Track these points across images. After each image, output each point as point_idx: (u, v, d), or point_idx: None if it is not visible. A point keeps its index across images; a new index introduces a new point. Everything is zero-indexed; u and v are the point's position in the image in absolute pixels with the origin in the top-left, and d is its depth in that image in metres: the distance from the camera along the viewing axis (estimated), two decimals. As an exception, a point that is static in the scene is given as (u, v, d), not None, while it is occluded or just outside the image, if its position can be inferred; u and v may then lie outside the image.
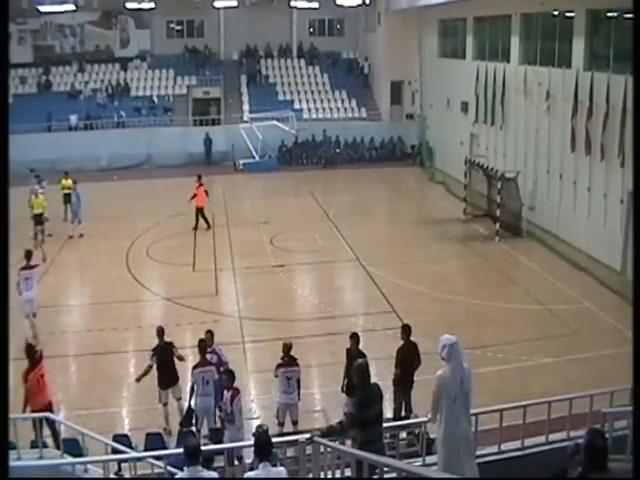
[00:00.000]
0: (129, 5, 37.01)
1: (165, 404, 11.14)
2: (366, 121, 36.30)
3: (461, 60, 28.23)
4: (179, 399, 11.21)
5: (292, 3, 37.47)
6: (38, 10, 36.36)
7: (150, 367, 10.99)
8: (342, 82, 38.46)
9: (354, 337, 10.80)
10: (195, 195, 22.81)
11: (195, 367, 10.57)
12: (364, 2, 35.26)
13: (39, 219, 21.14)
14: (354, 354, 10.16)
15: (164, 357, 11.00)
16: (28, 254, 14.72)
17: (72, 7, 36.21)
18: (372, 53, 38.40)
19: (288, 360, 10.62)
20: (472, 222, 23.34)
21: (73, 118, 35.34)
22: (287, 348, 10.70)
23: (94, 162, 31.97)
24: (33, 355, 10.32)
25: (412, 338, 10.89)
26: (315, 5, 36.75)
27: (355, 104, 37.26)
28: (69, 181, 23.52)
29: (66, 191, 23.42)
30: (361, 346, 10.68)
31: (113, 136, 34.16)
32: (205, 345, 10.79)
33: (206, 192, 23.01)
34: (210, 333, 11.18)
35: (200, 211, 22.67)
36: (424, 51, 32.99)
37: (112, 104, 36.59)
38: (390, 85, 36.40)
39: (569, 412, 8.04)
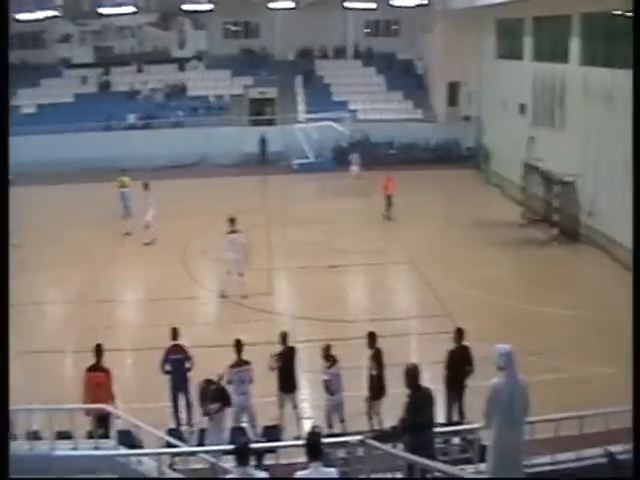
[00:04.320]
0: (186, 7, 37.69)
1: (282, 406, 11.30)
2: (422, 122, 36.00)
3: (519, 61, 27.75)
4: (295, 407, 11.37)
5: (347, 4, 37.48)
6: (99, 12, 37.36)
7: (272, 369, 11.16)
8: (398, 83, 38.26)
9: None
10: (386, 186, 24.29)
11: (232, 367, 10.71)
12: (421, 3, 35.02)
13: None
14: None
15: (288, 362, 11.17)
16: (232, 220, 17.00)
17: (131, 9, 37.10)
18: (428, 54, 38.05)
19: (332, 360, 10.72)
20: (529, 226, 22.93)
21: (131, 117, 36.20)
22: (327, 350, 10.81)
23: (152, 161, 32.60)
24: (98, 355, 10.59)
25: (465, 342, 10.78)
26: (371, 6, 36.68)
27: (411, 105, 37.01)
28: (126, 179, 24.08)
29: (123, 189, 24.00)
30: (412, 350, 10.64)
31: (170, 135, 34.85)
32: (241, 345, 10.92)
33: (394, 184, 24.40)
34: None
35: (389, 199, 24.23)
36: (481, 52, 32.55)
37: (169, 104, 37.34)
38: (446, 86, 36.03)
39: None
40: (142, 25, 40.24)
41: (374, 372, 10.62)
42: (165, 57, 40.49)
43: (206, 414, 9.87)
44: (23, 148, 32.15)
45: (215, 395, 9.92)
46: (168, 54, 40.70)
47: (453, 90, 36.08)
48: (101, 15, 38.20)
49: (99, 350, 10.65)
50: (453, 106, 36.18)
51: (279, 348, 11.28)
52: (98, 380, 10.42)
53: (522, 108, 27.03)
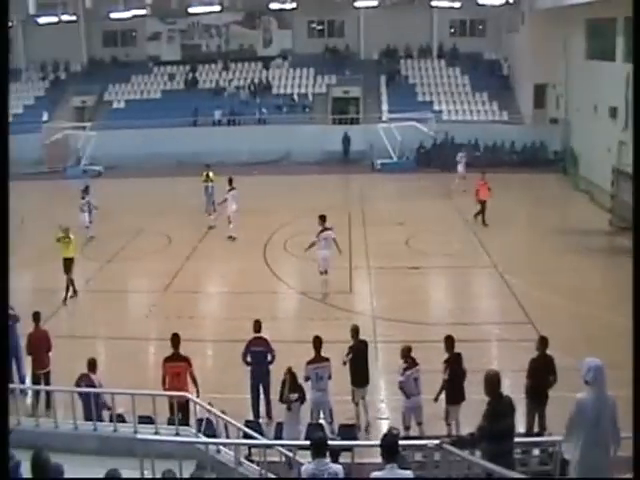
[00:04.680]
0: (272, 6, 38.23)
1: (357, 403, 11.42)
2: (507, 124, 35.27)
3: (610, 62, 26.74)
4: (363, 398, 11.50)
5: (433, 3, 37.08)
6: (187, 11, 38.38)
7: (344, 363, 11.29)
8: (483, 84, 37.59)
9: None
10: (478, 190, 23.50)
11: (309, 363, 10.78)
12: (507, 1, 34.28)
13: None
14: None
15: (359, 356, 11.27)
16: (322, 217, 17.03)
17: (218, 8, 37.97)
18: (515, 54, 37.21)
19: (411, 362, 10.61)
20: (618, 235, 22.04)
21: (217, 114, 37.04)
22: (407, 351, 10.72)
23: (235, 156, 33.22)
24: (175, 345, 10.85)
25: (548, 352, 10.50)
26: (457, 5, 36.16)
27: (496, 107, 36.32)
28: (210, 174, 24.62)
29: (207, 184, 24.55)
30: (493, 356, 10.43)
31: (254, 132, 35.45)
32: (320, 341, 10.97)
33: (489, 188, 23.49)
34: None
35: (483, 204, 23.47)
36: (570, 53, 31.55)
37: (254, 101, 37.96)
38: (533, 88, 35.14)
39: None
40: (228, 24, 41.12)
41: (446, 377, 10.47)
42: (250, 55, 41.22)
43: (285, 402, 10.03)
44: (112, 142, 33.52)
45: (293, 386, 10.06)
46: (253, 52, 41.41)
47: (540, 92, 35.18)
48: (189, 14, 39.26)
49: (176, 340, 10.88)
50: (540, 108, 35.27)
51: (351, 342, 11.38)
52: (177, 370, 10.66)
53: (613, 111, 26.04)
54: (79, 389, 10.04)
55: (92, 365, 10.49)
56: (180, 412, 9.72)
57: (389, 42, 40.04)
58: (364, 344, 11.46)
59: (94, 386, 10.08)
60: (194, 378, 10.78)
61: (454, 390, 10.52)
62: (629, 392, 11.78)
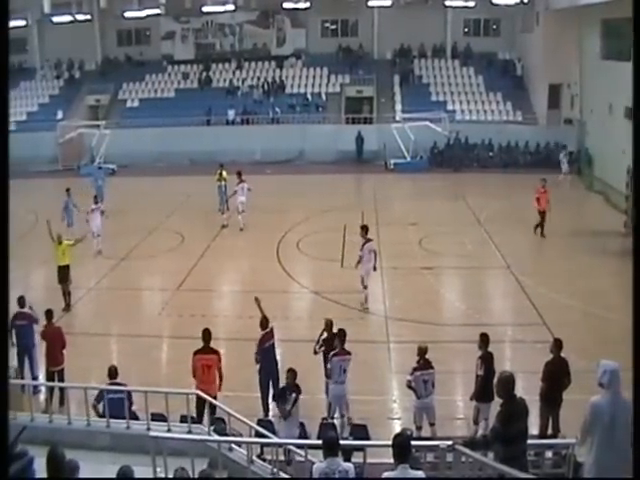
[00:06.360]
0: (286, 5, 38.24)
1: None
2: (521, 125, 35.09)
3: (626, 62, 26.47)
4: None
5: (447, 2, 36.95)
6: (200, 10, 38.48)
7: (315, 353, 11.54)
8: (497, 84, 37.43)
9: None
10: (538, 199, 22.21)
11: (335, 355, 10.88)
12: (522, 1, 34.10)
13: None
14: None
15: (330, 349, 11.27)
16: (364, 228, 16.62)
17: (232, 7, 38.04)
18: (529, 54, 36.99)
19: (424, 363, 10.58)
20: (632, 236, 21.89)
21: (231, 113, 37.12)
22: (423, 351, 10.67)
23: (249, 155, 33.29)
24: (206, 339, 10.91)
25: (562, 354, 10.42)
26: (471, 4, 36.02)
27: (510, 107, 36.13)
28: (224, 173, 24.68)
29: (221, 183, 24.60)
30: (507, 358, 10.38)
31: (268, 131, 35.50)
32: (345, 334, 11.08)
33: (547, 200, 22.01)
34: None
35: (542, 214, 22.07)
36: (585, 53, 31.35)
37: (267, 100, 38.00)
38: (547, 88, 34.93)
39: None
40: (242, 23, 41.19)
41: (482, 373, 10.41)
42: (264, 54, 41.27)
43: (283, 415, 10.01)
44: (126, 140, 33.67)
45: (292, 385, 10.03)
46: (267, 51, 41.45)
47: (554, 92, 34.98)
48: (203, 13, 39.36)
49: (207, 334, 10.94)
50: (554, 108, 35.08)
51: (324, 335, 11.55)
52: (208, 363, 10.73)
53: (628, 112, 25.86)
54: (92, 386, 10.10)
55: (113, 372, 10.31)
56: (200, 408, 9.87)
57: (403, 42, 39.93)
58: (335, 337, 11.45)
59: (128, 393, 9.62)
60: (221, 373, 10.88)
61: (486, 388, 10.43)
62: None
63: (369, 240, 16.44)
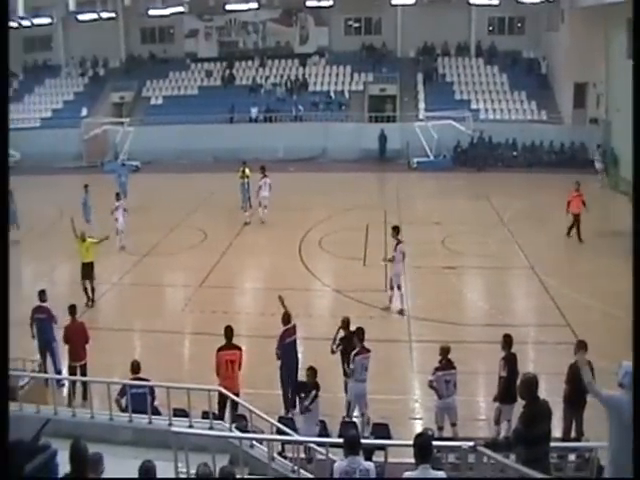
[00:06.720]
0: (309, 3, 38.24)
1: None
2: (546, 124, 34.75)
3: (653, 62, 26.17)
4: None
5: (471, 0, 36.67)
6: (224, 8, 38.61)
7: (333, 352, 11.50)
8: (521, 83, 37.09)
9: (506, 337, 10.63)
10: (569, 202, 21.76)
11: (357, 354, 10.86)
12: (547, -1, 33.79)
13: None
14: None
15: (350, 347, 11.25)
16: (396, 229, 16.31)
17: (255, 5, 38.12)
18: (554, 53, 36.59)
19: (446, 363, 10.53)
20: (658, 237, 21.54)
21: (254, 111, 37.21)
22: (445, 351, 10.62)
23: (272, 153, 33.36)
24: (229, 336, 10.95)
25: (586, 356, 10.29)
26: (495, 2, 35.74)
27: (535, 106, 35.80)
28: (247, 170, 24.76)
29: (244, 180, 24.67)
30: (530, 359, 10.28)
31: (290, 129, 35.53)
32: (364, 332, 11.07)
33: (583, 202, 21.57)
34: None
35: (576, 217, 21.60)
36: (611, 51, 30.94)
37: (290, 98, 38.05)
38: (573, 87, 34.55)
39: None
40: (265, 21, 41.28)
41: (505, 374, 10.33)
42: (287, 52, 41.32)
43: (300, 410, 10.04)
44: (150, 137, 33.92)
45: (312, 383, 10.03)
46: (290, 49, 41.49)
47: (580, 91, 34.58)
48: (226, 11, 39.50)
49: (229, 331, 10.98)
50: (580, 108, 34.67)
51: (341, 333, 11.55)
52: (232, 358, 10.77)
53: (656, 112, 25.52)
54: (115, 381, 10.17)
55: (136, 367, 10.37)
56: (222, 404, 9.93)
57: (426, 40, 39.75)
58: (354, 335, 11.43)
59: (150, 388, 9.70)
60: (240, 369, 10.92)
61: (509, 389, 10.34)
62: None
63: (400, 241, 16.33)
